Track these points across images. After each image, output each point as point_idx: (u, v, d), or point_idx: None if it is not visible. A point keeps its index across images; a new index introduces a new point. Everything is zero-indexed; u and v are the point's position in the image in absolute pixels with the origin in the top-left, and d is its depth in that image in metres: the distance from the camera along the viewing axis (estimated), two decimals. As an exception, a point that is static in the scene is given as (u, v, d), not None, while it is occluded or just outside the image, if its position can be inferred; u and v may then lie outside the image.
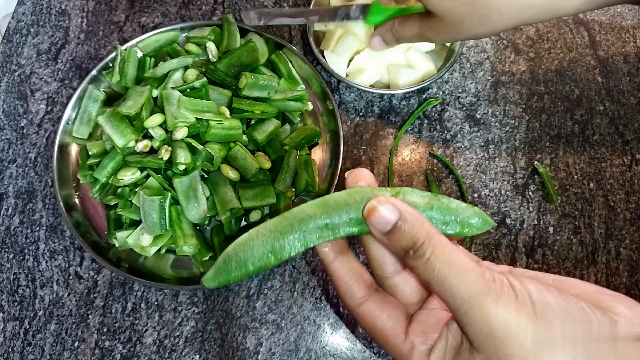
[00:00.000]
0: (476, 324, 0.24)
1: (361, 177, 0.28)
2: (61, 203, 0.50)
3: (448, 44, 0.59)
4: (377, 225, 0.26)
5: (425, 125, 0.59)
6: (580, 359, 0.23)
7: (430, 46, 0.59)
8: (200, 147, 0.48)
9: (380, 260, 0.29)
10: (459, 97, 0.60)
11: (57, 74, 0.62)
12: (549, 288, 0.25)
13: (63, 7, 0.66)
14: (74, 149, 0.54)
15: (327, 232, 0.27)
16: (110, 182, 0.50)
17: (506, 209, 0.55)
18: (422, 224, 0.26)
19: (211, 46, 0.55)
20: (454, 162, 0.57)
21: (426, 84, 0.56)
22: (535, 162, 0.57)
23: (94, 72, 0.55)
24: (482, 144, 0.58)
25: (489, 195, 0.55)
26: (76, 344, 0.49)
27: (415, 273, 0.26)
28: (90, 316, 0.50)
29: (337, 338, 0.49)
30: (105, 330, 0.50)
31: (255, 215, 0.51)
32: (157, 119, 0.49)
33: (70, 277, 0.52)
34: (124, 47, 0.56)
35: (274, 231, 0.27)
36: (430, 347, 0.26)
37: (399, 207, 0.26)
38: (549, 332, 0.23)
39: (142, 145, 0.49)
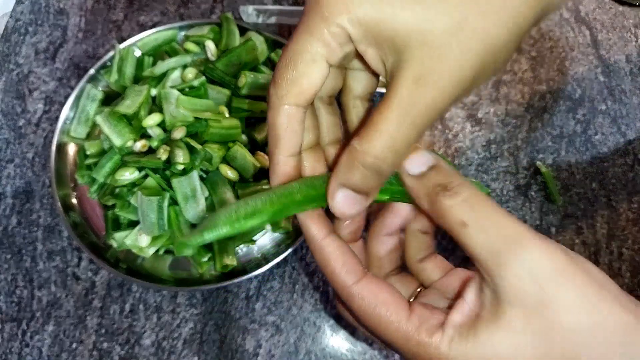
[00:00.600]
0: (521, 265, 0.22)
1: None
2: (59, 203, 0.50)
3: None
4: (412, 165, 0.25)
5: (426, 124, 0.58)
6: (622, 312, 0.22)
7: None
8: (199, 146, 0.48)
9: (381, 255, 0.29)
10: (460, 96, 0.60)
11: (55, 73, 0.61)
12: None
13: (61, 6, 0.65)
14: (72, 149, 0.54)
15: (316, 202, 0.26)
16: (108, 182, 0.49)
17: (508, 209, 0.54)
18: (457, 173, 0.25)
19: (210, 45, 0.55)
20: (456, 161, 0.56)
21: (427, 83, 0.56)
22: (537, 161, 0.56)
23: (92, 71, 0.55)
24: (484, 143, 0.58)
25: (490, 195, 0.55)
26: (74, 345, 0.49)
27: (446, 215, 0.24)
28: (88, 317, 0.50)
29: (338, 340, 0.49)
30: (103, 331, 0.49)
31: (254, 216, 0.50)
32: (155, 118, 0.49)
33: (68, 278, 0.51)
34: (123, 46, 0.56)
35: (282, 196, 0.26)
36: (442, 320, 0.24)
37: (435, 156, 0.26)
38: (592, 281, 0.22)
39: (141, 144, 0.49)
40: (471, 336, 0.23)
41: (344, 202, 0.25)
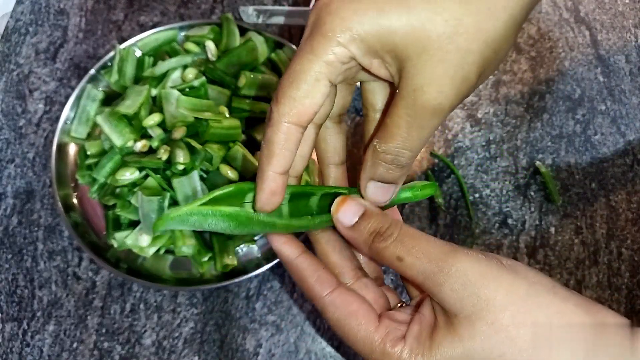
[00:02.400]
0: (453, 280, 0.24)
1: None
2: (59, 203, 0.50)
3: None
4: (344, 218, 0.28)
5: (425, 124, 0.58)
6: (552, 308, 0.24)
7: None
8: (199, 146, 0.48)
9: (340, 264, 0.30)
10: (459, 96, 0.60)
11: (56, 74, 0.61)
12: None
13: (62, 6, 0.66)
14: (72, 149, 0.54)
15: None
16: (108, 182, 0.49)
17: (507, 209, 0.54)
18: (386, 214, 0.28)
19: (210, 45, 0.55)
20: (455, 162, 0.57)
21: (427, 83, 0.55)
22: (537, 161, 0.56)
23: (92, 72, 0.55)
24: (484, 143, 0.58)
25: (490, 195, 0.55)
26: (75, 345, 0.49)
27: (383, 255, 0.26)
28: (88, 317, 0.50)
29: (338, 339, 0.49)
30: (104, 331, 0.50)
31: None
32: (155, 118, 0.49)
33: (69, 278, 0.51)
34: (123, 46, 0.56)
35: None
36: (405, 332, 0.26)
37: (362, 202, 0.28)
38: (520, 279, 0.24)
39: (141, 144, 0.49)
40: (427, 346, 0.25)
41: (374, 191, 0.28)
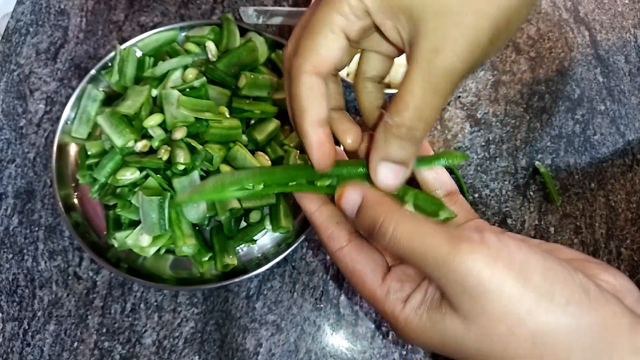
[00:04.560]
0: (450, 285, 0.23)
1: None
2: (60, 203, 0.50)
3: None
4: (347, 209, 0.27)
5: (425, 125, 0.59)
6: (563, 319, 0.22)
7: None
8: (199, 147, 0.48)
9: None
10: (459, 96, 0.60)
11: (56, 74, 0.61)
12: (531, 247, 0.24)
13: (62, 7, 0.66)
14: (73, 149, 0.54)
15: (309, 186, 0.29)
16: (109, 182, 0.49)
17: (507, 209, 0.55)
18: (382, 203, 0.26)
19: (211, 45, 0.55)
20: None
21: (426, 83, 0.56)
22: (536, 162, 0.57)
23: (93, 72, 0.55)
24: (483, 143, 0.58)
25: (489, 195, 0.55)
26: (75, 344, 0.49)
27: (387, 251, 0.27)
28: (89, 317, 0.50)
29: (337, 339, 0.49)
30: (104, 330, 0.50)
31: (255, 216, 0.51)
32: (156, 118, 0.49)
33: (69, 278, 0.52)
34: (123, 46, 0.56)
35: (264, 173, 0.29)
36: (407, 295, 0.26)
37: (360, 190, 0.27)
38: (528, 286, 0.22)
39: (141, 145, 0.49)
40: (423, 320, 0.25)
41: (387, 174, 0.27)
